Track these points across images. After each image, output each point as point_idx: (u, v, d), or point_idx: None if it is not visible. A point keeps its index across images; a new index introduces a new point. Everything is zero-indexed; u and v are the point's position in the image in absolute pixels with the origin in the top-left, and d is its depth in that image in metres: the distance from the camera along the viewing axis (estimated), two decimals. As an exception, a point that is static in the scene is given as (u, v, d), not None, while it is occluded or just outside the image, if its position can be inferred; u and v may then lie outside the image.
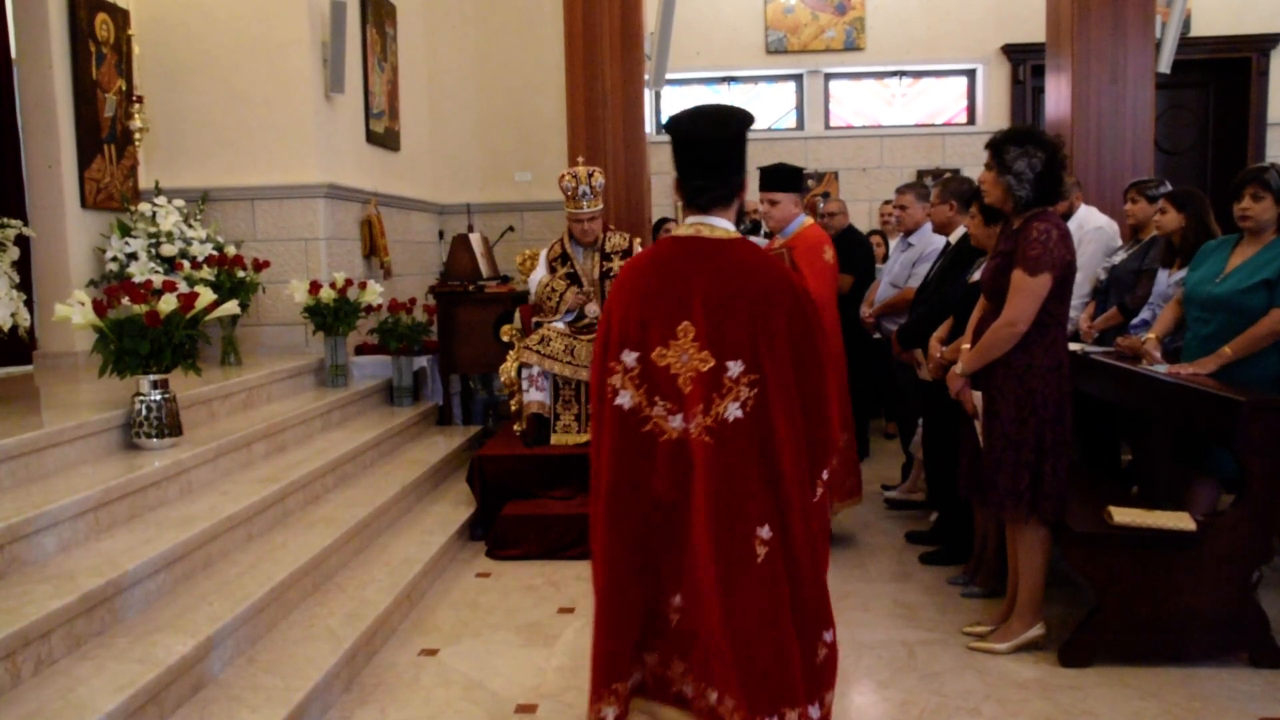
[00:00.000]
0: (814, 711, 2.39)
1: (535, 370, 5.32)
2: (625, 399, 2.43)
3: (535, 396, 5.33)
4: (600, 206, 5.54)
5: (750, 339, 2.35)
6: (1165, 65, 6.87)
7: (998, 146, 3.46)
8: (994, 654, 3.58)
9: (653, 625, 2.48)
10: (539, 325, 5.51)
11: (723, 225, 2.46)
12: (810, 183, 9.25)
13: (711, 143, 2.47)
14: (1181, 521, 3.44)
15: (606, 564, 2.47)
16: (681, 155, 2.48)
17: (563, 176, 5.49)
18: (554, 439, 5.30)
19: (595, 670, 2.47)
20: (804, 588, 2.39)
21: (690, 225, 2.48)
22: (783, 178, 4.64)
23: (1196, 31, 8.84)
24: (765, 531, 2.35)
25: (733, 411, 2.34)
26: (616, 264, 5.53)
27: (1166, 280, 4.43)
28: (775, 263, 2.51)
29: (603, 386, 2.47)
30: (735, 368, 2.35)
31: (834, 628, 2.51)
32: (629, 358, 2.43)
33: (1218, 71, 9.28)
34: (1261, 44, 9.10)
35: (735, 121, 2.50)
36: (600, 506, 2.48)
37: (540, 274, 5.60)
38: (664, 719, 2.53)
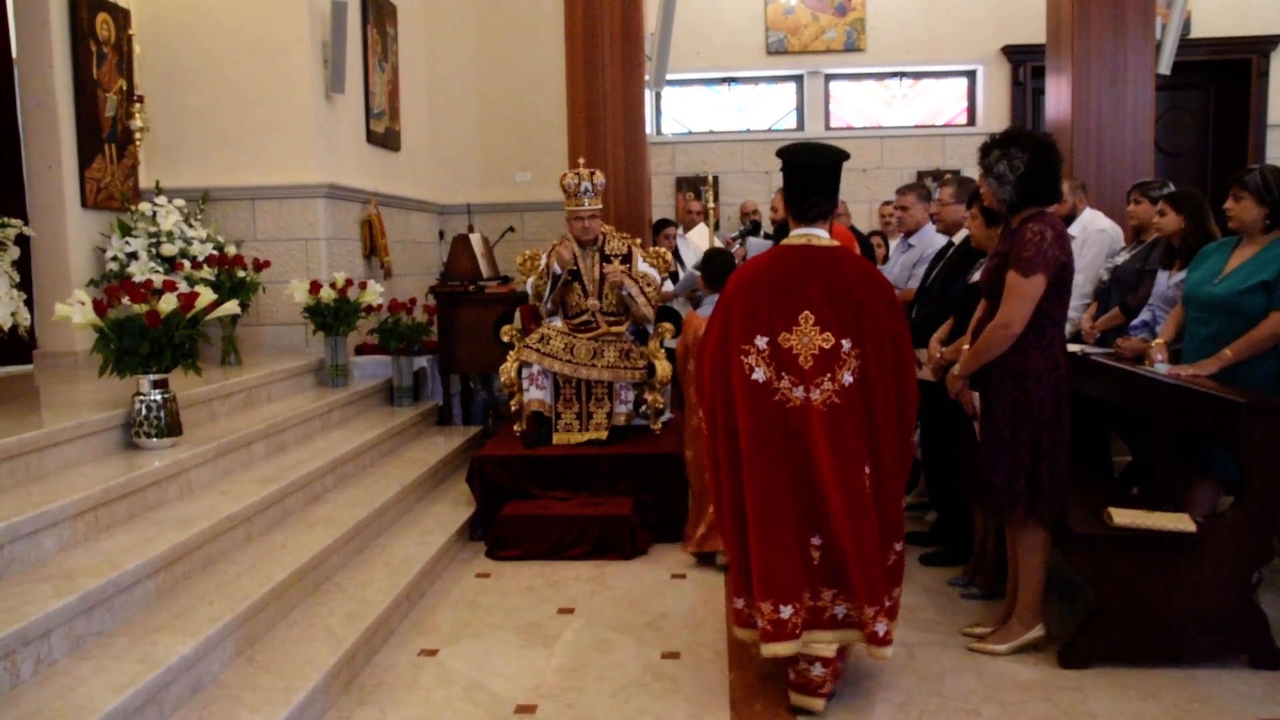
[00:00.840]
0: (887, 601, 3.14)
1: (535, 369, 5.32)
2: (759, 375, 3.11)
3: (536, 395, 5.33)
4: (599, 206, 5.55)
5: (857, 322, 3.10)
6: (1165, 67, 6.86)
7: (983, 150, 3.48)
8: (994, 655, 3.58)
9: (803, 565, 3.11)
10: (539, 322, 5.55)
11: (825, 235, 3.22)
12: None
13: (820, 169, 3.22)
14: (1181, 523, 3.44)
15: (756, 505, 3.08)
16: (796, 178, 3.23)
17: (565, 175, 5.51)
18: (556, 438, 5.30)
19: (759, 583, 3.08)
20: (886, 508, 3.15)
21: (801, 235, 3.22)
22: None
23: (1196, 33, 8.84)
24: (866, 470, 3.10)
25: (847, 379, 3.09)
26: (617, 266, 5.53)
27: (1166, 281, 4.44)
28: (869, 263, 3.33)
29: (728, 367, 3.14)
30: (847, 345, 3.09)
31: (903, 540, 3.28)
32: (760, 342, 3.12)
33: (1218, 73, 9.28)
34: (1261, 45, 9.10)
35: (837, 154, 3.27)
36: (740, 463, 3.12)
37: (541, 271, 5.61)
38: (818, 641, 3.13)
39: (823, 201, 3.21)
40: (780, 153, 3.31)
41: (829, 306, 3.09)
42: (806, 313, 3.10)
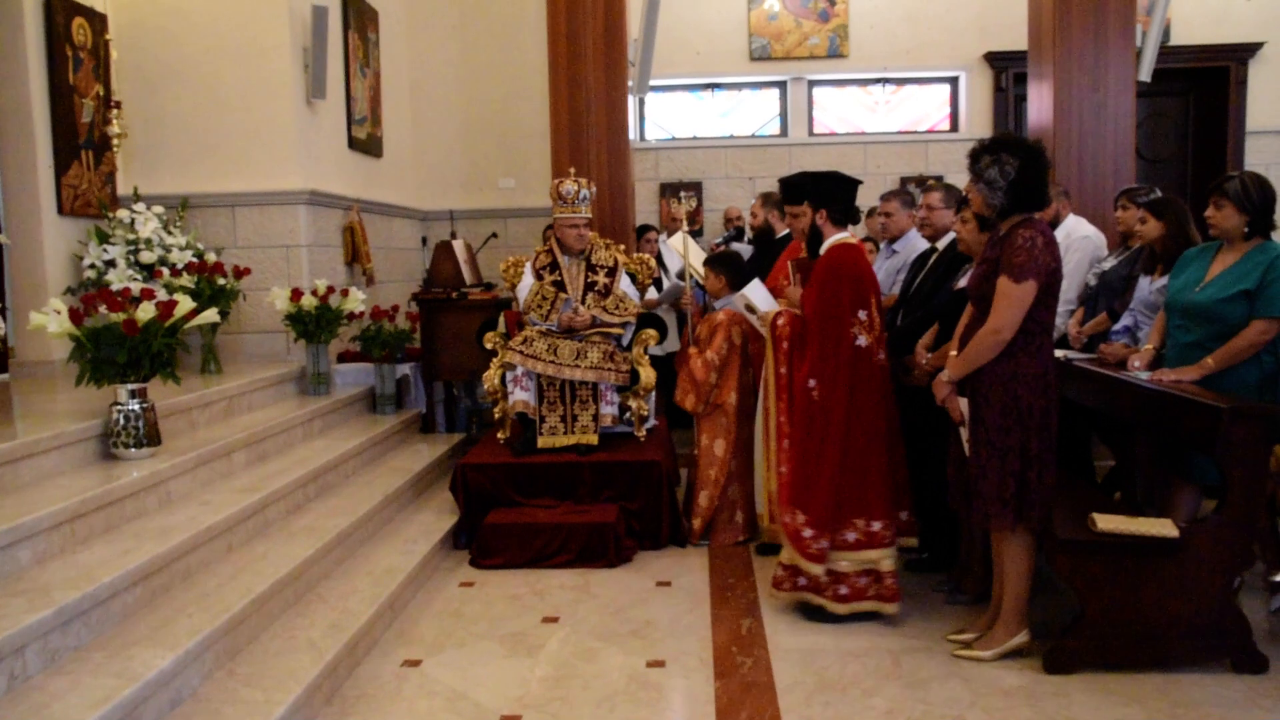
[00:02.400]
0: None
1: (519, 370, 5.29)
2: (862, 341, 4.00)
3: (520, 396, 5.30)
4: (584, 215, 5.52)
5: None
6: (1146, 74, 6.91)
7: (974, 156, 3.48)
8: (979, 661, 3.57)
9: (897, 490, 4.09)
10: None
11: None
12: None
13: (853, 188, 4.30)
14: (1164, 528, 3.45)
15: (849, 441, 3.94)
16: (840, 193, 4.23)
17: (561, 181, 5.47)
18: (541, 441, 5.27)
19: (830, 509, 3.91)
20: None
21: (847, 235, 4.21)
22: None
23: (1176, 40, 8.91)
24: None
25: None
26: (602, 277, 5.50)
27: (1148, 287, 4.45)
28: None
29: (843, 334, 3.97)
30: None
31: None
32: (862, 314, 4.01)
33: (1197, 80, 9.35)
34: (1240, 53, 9.17)
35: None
36: (846, 410, 3.96)
37: (528, 281, 5.58)
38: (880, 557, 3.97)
39: (855, 211, 4.30)
40: (825, 173, 4.36)
41: (875, 289, 4.13)
42: (873, 294, 4.08)
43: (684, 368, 5.22)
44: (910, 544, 4.27)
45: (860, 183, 4.32)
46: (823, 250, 4.20)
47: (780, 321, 4.29)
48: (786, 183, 4.55)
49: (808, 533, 3.93)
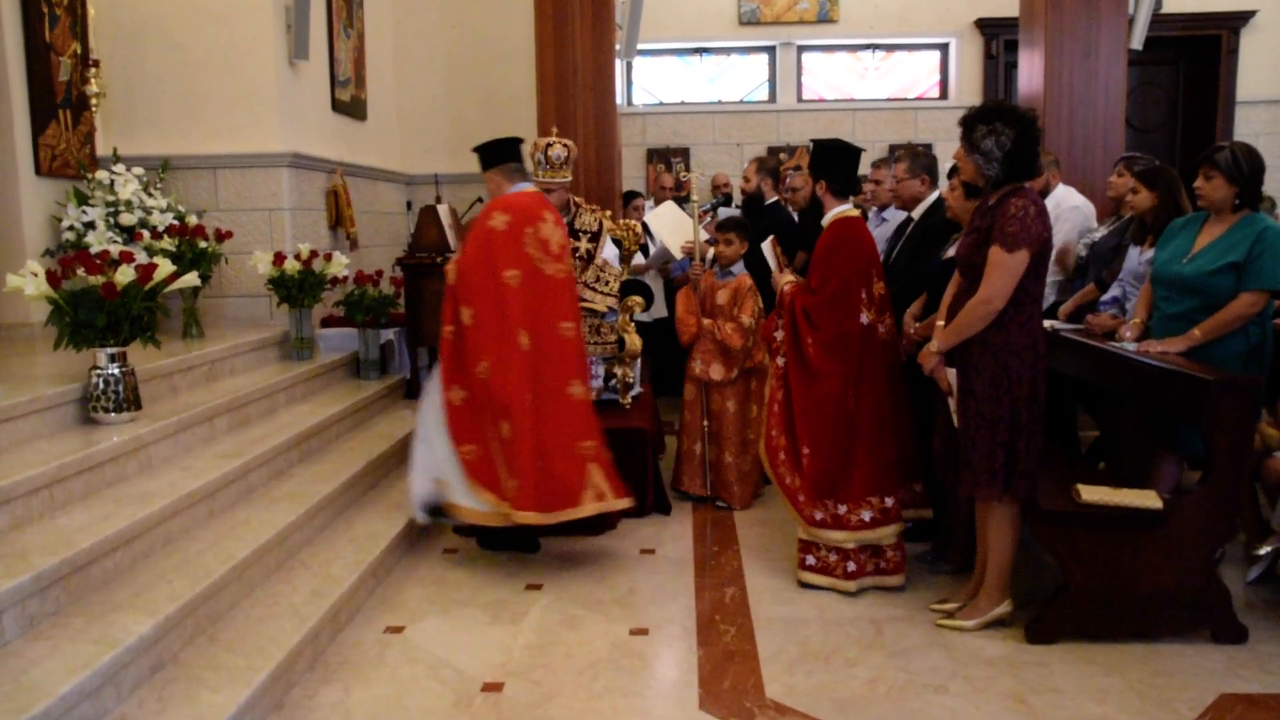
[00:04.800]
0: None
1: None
2: (865, 319, 4.01)
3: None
4: (563, 179, 5.33)
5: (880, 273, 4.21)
6: (1137, 42, 6.86)
7: (967, 125, 3.44)
8: (962, 631, 3.59)
9: (903, 464, 4.14)
10: None
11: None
12: (782, 155, 9.21)
13: (855, 158, 4.23)
14: (1148, 500, 3.46)
15: (875, 415, 4.00)
16: (843, 163, 4.16)
17: (550, 144, 5.27)
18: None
19: (886, 487, 4.00)
20: None
21: (850, 205, 4.16)
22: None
23: (1168, 8, 8.86)
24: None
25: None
26: (584, 244, 5.43)
27: (1138, 257, 4.44)
28: None
29: (850, 311, 4.00)
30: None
31: None
32: (863, 293, 4.01)
33: (1188, 49, 9.32)
34: (1232, 21, 9.13)
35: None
36: (860, 385, 4.00)
37: None
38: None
39: (856, 182, 4.31)
40: (828, 142, 4.25)
41: (876, 263, 4.14)
42: (873, 269, 4.10)
43: (706, 340, 5.17)
44: (924, 516, 4.30)
45: (863, 151, 4.27)
46: (825, 223, 4.17)
47: (787, 289, 4.21)
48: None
49: (802, 498, 4.01)
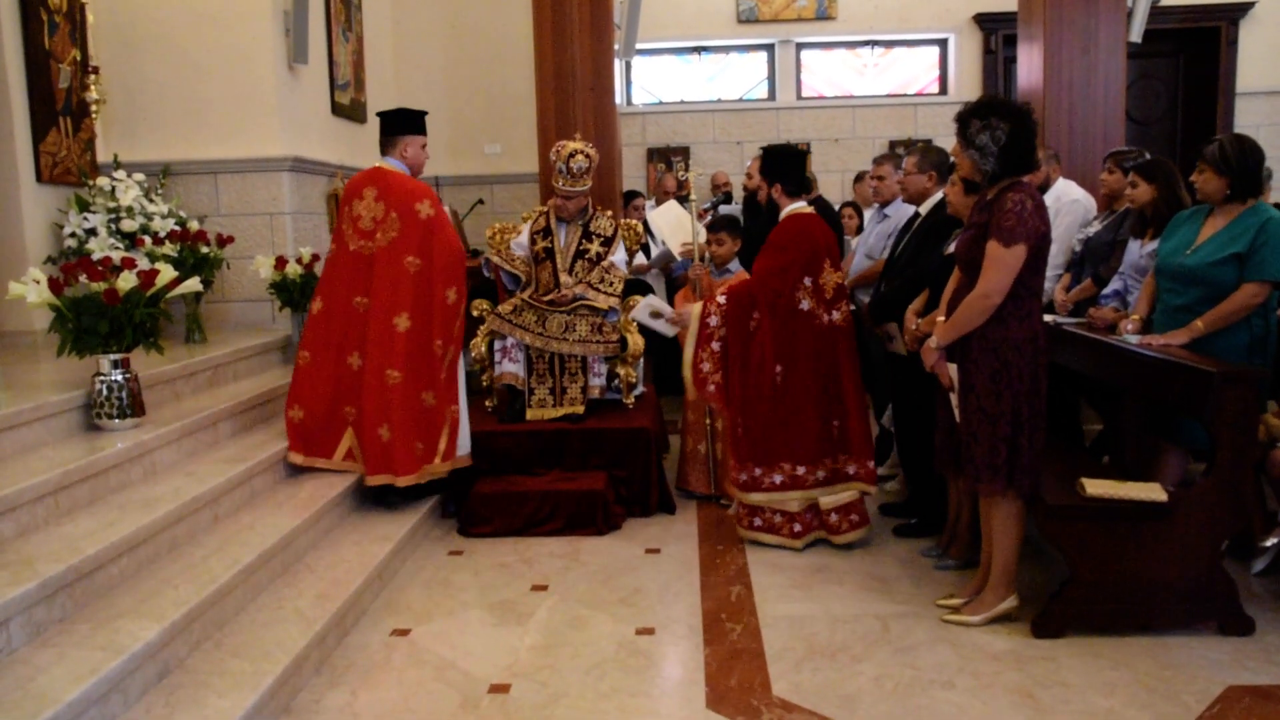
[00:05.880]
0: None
1: (509, 341, 5.26)
2: (805, 305, 4.37)
3: (508, 368, 5.27)
4: (582, 188, 5.41)
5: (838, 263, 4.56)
6: (1137, 34, 6.85)
7: (962, 120, 3.44)
8: (968, 626, 3.59)
9: (830, 440, 4.42)
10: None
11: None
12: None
13: (803, 160, 4.72)
14: (1153, 493, 3.45)
15: (794, 400, 4.37)
16: (794, 166, 4.57)
17: (574, 155, 5.31)
18: (530, 414, 5.24)
19: (799, 456, 4.40)
20: None
21: (804, 203, 4.57)
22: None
23: (1167, 1, 8.84)
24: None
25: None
26: (595, 246, 5.44)
27: (1138, 251, 4.44)
28: None
29: (787, 297, 4.36)
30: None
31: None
32: (808, 281, 4.37)
33: (1188, 41, 9.30)
34: (1231, 13, 9.12)
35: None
36: (791, 369, 4.38)
37: (521, 240, 5.55)
38: (837, 492, 4.46)
39: (807, 182, 4.73)
40: (777, 149, 4.72)
41: (833, 253, 4.49)
42: (826, 259, 4.42)
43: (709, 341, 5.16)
44: (891, 488, 4.84)
45: (807, 153, 4.63)
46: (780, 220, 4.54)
47: (724, 286, 4.65)
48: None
49: (731, 461, 4.51)
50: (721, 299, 4.44)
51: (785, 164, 4.57)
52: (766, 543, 4.47)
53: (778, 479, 4.41)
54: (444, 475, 4.72)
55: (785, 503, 4.43)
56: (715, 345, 4.42)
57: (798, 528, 4.45)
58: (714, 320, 4.42)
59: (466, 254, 6.53)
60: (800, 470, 4.40)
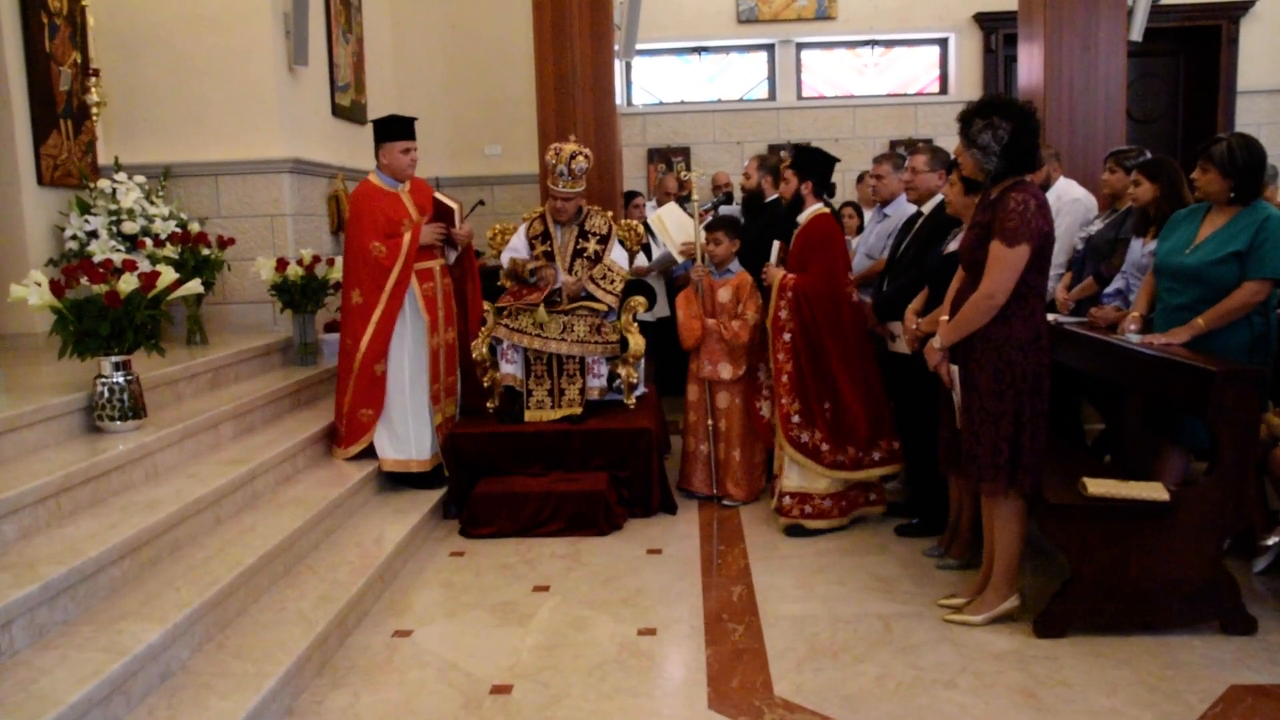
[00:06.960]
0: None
1: (506, 344, 5.26)
2: (856, 297, 4.73)
3: (507, 369, 5.27)
4: (579, 189, 5.42)
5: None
6: (1137, 33, 6.85)
7: (965, 119, 3.43)
8: (970, 626, 3.59)
9: (883, 422, 4.73)
10: (502, 290, 5.48)
11: None
12: (783, 153, 9.20)
13: (834, 163, 4.94)
14: (1155, 492, 3.45)
15: (861, 376, 4.67)
16: (825, 169, 4.86)
17: (574, 157, 5.32)
18: (528, 415, 5.24)
19: (862, 435, 4.68)
20: None
21: (822, 205, 4.82)
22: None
23: (1167, -1, 8.84)
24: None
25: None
26: (593, 245, 5.45)
27: (1140, 249, 4.43)
28: None
29: (845, 292, 4.69)
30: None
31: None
32: (849, 274, 4.75)
33: (1188, 39, 9.30)
34: (1232, 11, 9.11)
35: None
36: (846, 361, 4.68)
37: (515, 244, 5.54)
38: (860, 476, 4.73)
39: (831, 186, 5.20)
40: (812, 149, 4.97)
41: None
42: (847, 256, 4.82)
43: (713, 340, 5.16)
44: (893, 470, 4.85)
45: (838, 160, 4.98)
46: (803, 219, 4.77)
47: (790, 279, 4.70)
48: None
49: (825, 447, 4.65)
50: (783, 314, 4.69)
51: (821, 164, 4.83)
52: (817, 529, 4.66)
53: (876, 456, 4.72)
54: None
55: (863, 479, 4.74)
56: (786, 337, 4.67)
57: (844, 504, 4.75)
58: (784, 314, 4.68)
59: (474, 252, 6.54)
60: (893, 445, 4.75)
